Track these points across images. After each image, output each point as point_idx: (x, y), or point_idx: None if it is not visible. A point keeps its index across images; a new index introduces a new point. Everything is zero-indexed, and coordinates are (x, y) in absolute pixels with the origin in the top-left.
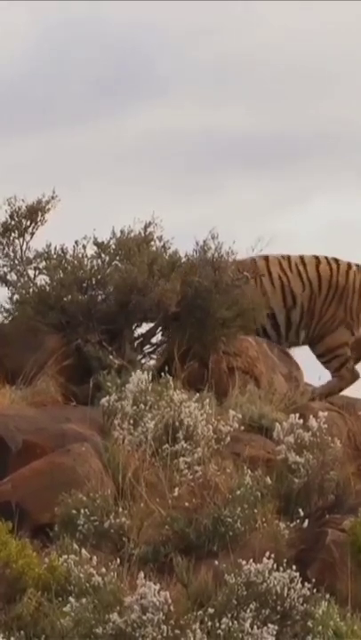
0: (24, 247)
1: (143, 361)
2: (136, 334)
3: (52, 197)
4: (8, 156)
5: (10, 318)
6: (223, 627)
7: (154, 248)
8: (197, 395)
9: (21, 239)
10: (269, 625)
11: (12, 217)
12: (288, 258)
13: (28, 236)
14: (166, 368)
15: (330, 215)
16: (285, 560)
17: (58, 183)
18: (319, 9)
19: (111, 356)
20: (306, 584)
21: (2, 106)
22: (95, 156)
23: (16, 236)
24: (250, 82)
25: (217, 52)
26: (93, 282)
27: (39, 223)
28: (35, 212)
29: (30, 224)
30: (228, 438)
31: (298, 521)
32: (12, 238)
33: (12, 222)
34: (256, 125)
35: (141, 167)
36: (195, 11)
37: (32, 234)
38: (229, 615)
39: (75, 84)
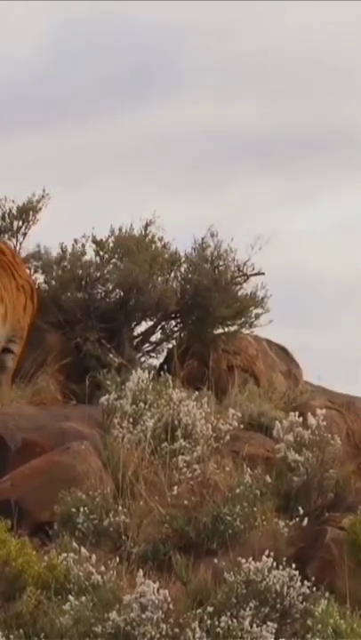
0: (18, 248)
1: (143, 359)
2: (135, 333)
3: (43, 196)
4: (8, 155)
5: None
6: (222, 625)
7: (153, 247)
8: (196, 393)
9: (14, 240)
10: (269, 623)
11: (2, 218)
12: None
13: (20, 237)
14: (166, 367)
15: (339, 214)
16: (285, 558)
17: (63, 181)
18: (336, 8)
19: (111, 355)
20: (305, 582)
21: (5, 104)
22: (99, 155)
23: (8, 237)
24: (256, 80)
25: (225, 51)
26: (92, 279)
27: (31, 223)
28: (26, 212)
29: (22, 224)
30: (228, 436)
31: (297, 519)
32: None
33: (4, 224)
34: (264, 124)
35: (146, 165)
36: (208, 9)
37: (24, 234)
38: (229, 613)
39: (78, 83)
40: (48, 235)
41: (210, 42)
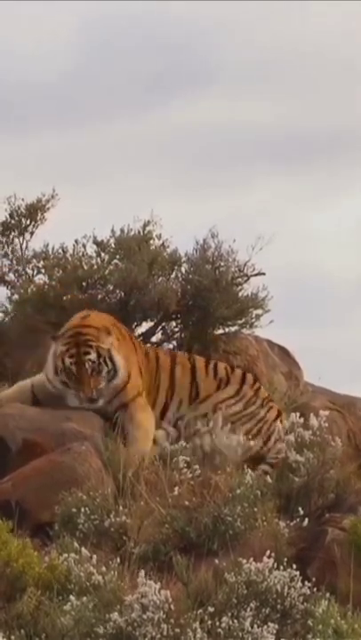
0: (24, 246)
1: None
2: (136, 333)
3: (52, 196)
4: (24, 153)
5: (10, 317)
6: (223, 625)
7: (153, 247)
8: None
9: (21, 238)
10: (270, 624)
11: (11, 216)
12: None
13: (28, 235)
14: None
15: (355, 215)
16: (286, 559)
17: (72, 180)
18: (356, 7)
19: None
20: (306, 583)
21: (26, 104)
22: (107, 155)
23: (16, 234)
24: (271, 79)
25: (240, 50)
26: (93, 281)
27: (39, 222)
28: (34, 211)
29: (30, 223)
30: None
31: (298, 520)
32: (11, 237)
33: (12, 221)
34: (278, 123)
35: (160, 165)
36: (226, 8)
37: (32, 233)
38: (229, 614)
39: (97, 84)
40: (61, 234)
41: (226, 41)
